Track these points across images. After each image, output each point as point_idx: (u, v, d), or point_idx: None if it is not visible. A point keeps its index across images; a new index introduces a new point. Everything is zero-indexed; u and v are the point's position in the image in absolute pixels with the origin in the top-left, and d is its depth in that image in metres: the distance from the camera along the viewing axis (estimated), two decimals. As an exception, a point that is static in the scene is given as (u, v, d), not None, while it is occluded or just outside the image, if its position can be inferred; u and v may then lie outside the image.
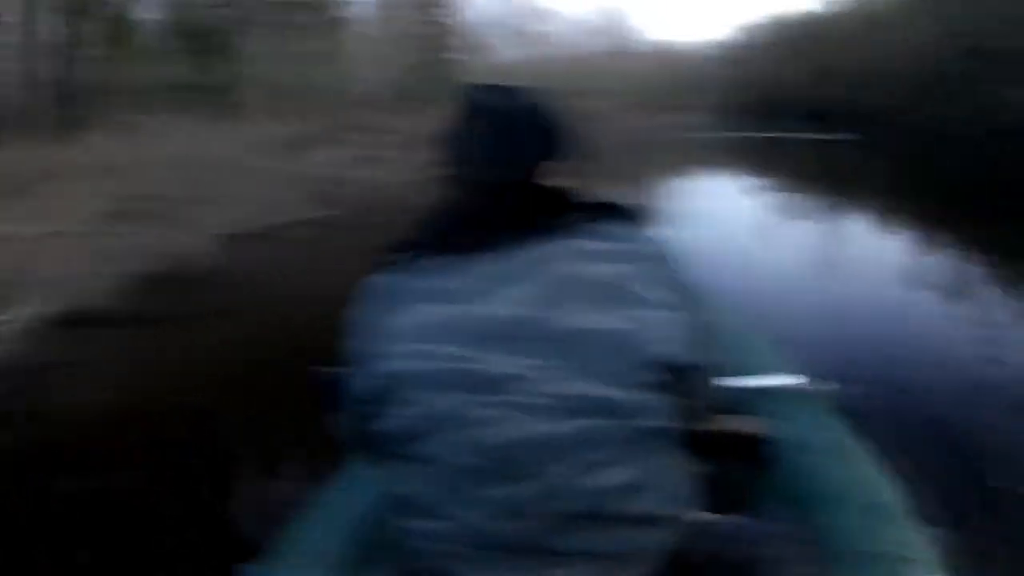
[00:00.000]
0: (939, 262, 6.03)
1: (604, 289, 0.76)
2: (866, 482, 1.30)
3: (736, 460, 1.36)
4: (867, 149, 16.42)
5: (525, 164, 0.83)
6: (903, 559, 1.11)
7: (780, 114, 24.03)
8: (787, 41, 27.96)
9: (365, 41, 20.91)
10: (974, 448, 2.63)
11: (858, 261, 6.10)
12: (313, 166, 10.09)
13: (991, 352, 3.67)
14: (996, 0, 15.25)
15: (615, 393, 0.73)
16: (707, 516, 1.06)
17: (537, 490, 0.73)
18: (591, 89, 24.29)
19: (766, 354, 1.83)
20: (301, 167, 9.71)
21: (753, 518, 1.14)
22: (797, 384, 1.59)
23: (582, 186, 0.86)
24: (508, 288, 0.75)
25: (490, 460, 0.73)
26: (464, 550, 0.75)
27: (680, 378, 0.79)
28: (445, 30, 23.49)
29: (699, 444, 1.00)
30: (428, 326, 0.75)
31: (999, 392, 3.15)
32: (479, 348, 0.73)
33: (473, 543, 0.75)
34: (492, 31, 29.54)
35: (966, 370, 3.44)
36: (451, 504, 0.75)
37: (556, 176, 0.85)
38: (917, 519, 1.23)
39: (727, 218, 8.70)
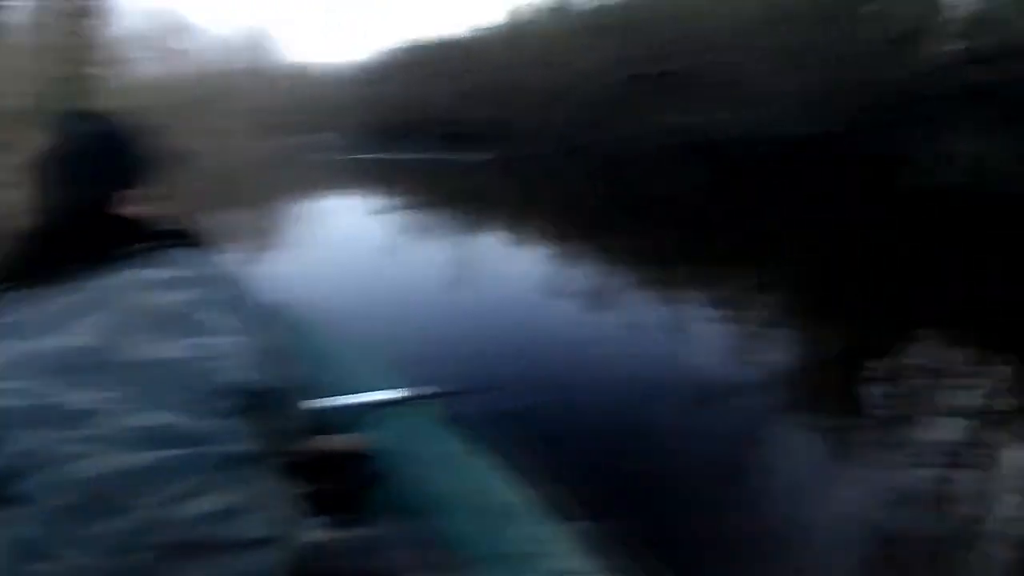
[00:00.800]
0: (569, 272, 6.26)
1: (172, 318, 0.76)
2: (483, 485, 1.33)
3: (345, 477, 1.38)
4: (507, 170, 15.94)
5: (100, 192, 0.82)
6: (526, 556, 1.13)
7: (421, 136, 23.10)
8: (429, 64, 26.66)
9: (15, 52, 20.32)
10: (615, 441, 2.78)
11: (490, 275, 6.12)
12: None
13: (614, 348, 3.96)
14: (646, 32, 15.31)
15: (190, 422, 0.74)
16: (323, 534, 1.08)
17: (135, 523, 0.72)
18: (224, 109, 24.37)
19: (369, 370, 1.82)
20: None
21: (370, 531, 1.13)
22: (400, 397, 1.59)
23: (169, 212, 0.86)
24: (79, 320, 0.74)
25: (85, 496, 0.72)
26: None
27: (262, 402, 0.80)
28: (89, 43, 22.52)
29: (302, 465, 1.03)
30: (9, 363, 0.74)
31: (639, 387, 3.37)
32: (57, 383, 0.73)
33: None
34: (135, 45, 28.24)
35: (597, 367, 3.66)
36: (58, 544, 0.73)
37: (138, 203, 0.85)
38: (549, 515, 1.26)
39: (356, 239, 8.46)
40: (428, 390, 1.63)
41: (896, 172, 9.32)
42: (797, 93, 11.34)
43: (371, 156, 21.20)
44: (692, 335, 4.25)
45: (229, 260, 0.86)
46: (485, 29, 26.08)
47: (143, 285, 0.77)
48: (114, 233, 0.80)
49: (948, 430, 2.85)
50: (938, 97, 9.57)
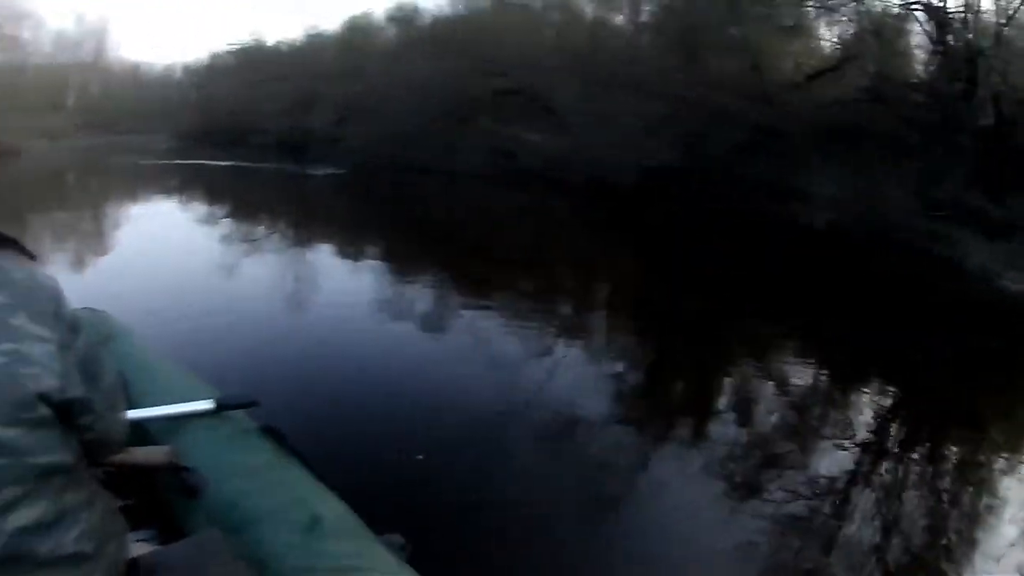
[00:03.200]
0: (398, 290, 6.37)
1: None
2: (295, 498, 1.32)
3: (159, 489, 1.41)
4: (346, 184, 15.51)
5: None
6: (347, 569, 1.15)
7: (255, 143, 21.84)
8: (263, 68, 25.04)
9: None
10: (429, 457, 2.84)
11: (314, 290, 6.24)
12: None
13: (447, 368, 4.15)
14: (484, 49, 15.23)
15: (2, 431, 0.71)
16: (139, 547, 1.07)
17: None
18: (51, 103, 23.23)
19: (182, 381, 1.79)
20: None
21: (192, 546, 1.12)
22: (213, 408, 1.58)
23: None
24: None
25: None
26: None
27: (76, 412, 0.80)
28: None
29: (117, 477, 1.07)
30: None
31: (450, 404, 3.50)
32: None
33: None
34: None
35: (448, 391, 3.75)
36: None
37: None
38: (360, 529, 1.29)
39: (177, 247, 8.25)
40: (241, 401, 1.63)
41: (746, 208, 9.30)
42: (649, 124, 11.18)
43: (199, 162, 19.92)
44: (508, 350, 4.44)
45: (42, 265, 0.88)
46: (321, 35, 25.16)
47: None
48: None
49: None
50: (797, 134, 9.66)
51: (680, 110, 11.00)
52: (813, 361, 4.61)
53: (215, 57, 31.22)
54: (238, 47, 28.43)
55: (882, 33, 9.97)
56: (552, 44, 15.59)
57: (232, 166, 18.90)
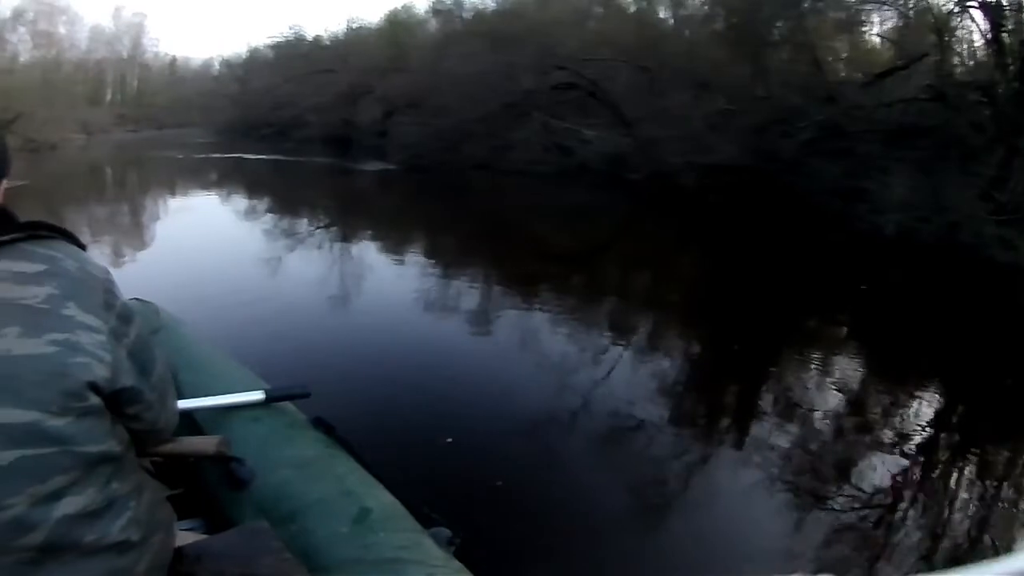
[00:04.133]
0: (457, 288, 6.22)
1: (34, 313, 0.73)
2: (349, 490, 1.31)
3: (206, 480, 1.41)
4: (398, 180, 15.49)
5: None
6: (395, 561, 1.13)
7: (294, 137, 21.97)
8: (303, 62, 25.19)
9: None
10: (478, 452, 2.93)
11: (366, 286, 6.18)
12: None
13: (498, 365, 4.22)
14: (538, 42, 15.09)
15: (52, 420, 0.71)
16: (187, 537, 1.09)
17: (2, 524, 0.69)
18: (93, 97, 25.37)
19: (232, 372, 1.79)
20: None
21: (239, 536, 1.12)
22: (263, 399, 1.57)
23: (21, 202, 0.94)
24: None
25: None
26: None
27: (123, 402, 0.80)
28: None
29: (163, 466, 1.02)
30: None
31: (507, 401, 3.55)
32: None
33: None
34: (10, 27, 28.04)
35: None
36: None
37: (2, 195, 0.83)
38: (408, 521, 1.28)
39: (225, 240, 8.33)
40: (292, 392, 1.61)
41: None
42: (710, 121, 11.03)
43: (240, 155, 19.96)
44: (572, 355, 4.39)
45: (94, 256, 0.84)
46: (362, 28, 25.36)
47: (7, 278, 0.73)
48: None
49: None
50: (863, 134, 9.41)
51: (743, 106, 10.97)
52: (883, 371, 4.50)
53: (254, 51, 31.72)
54: (277, 40, 28.74)
55: (943, 31, 9.90)
56: (600, 37, 15.55)
57: (274, 160, 18.93)
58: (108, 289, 0.81)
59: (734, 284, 6.73)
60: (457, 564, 1.18)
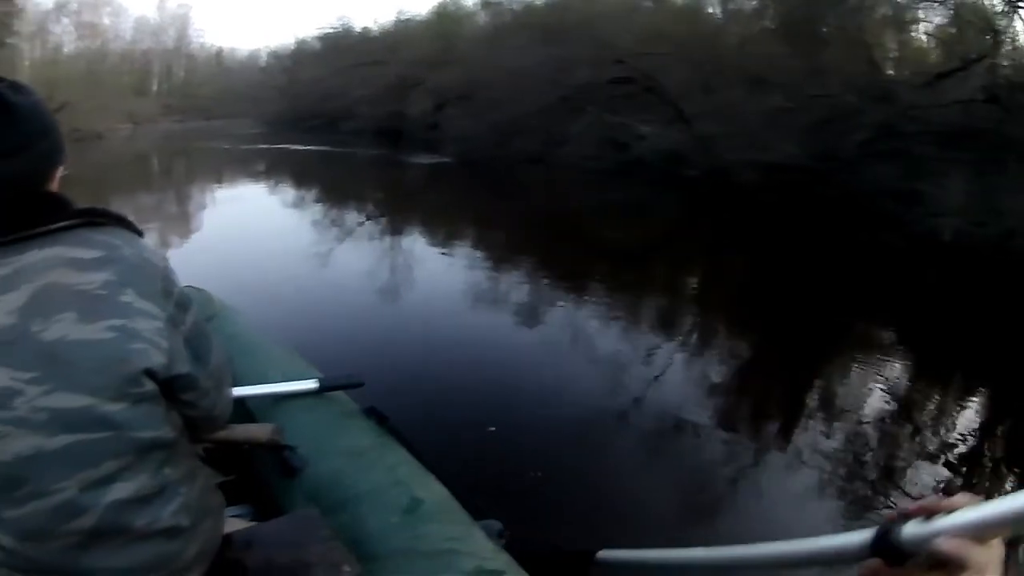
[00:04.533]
0: (510, 283, 6.26)
1: (92, 299, 0.74)
2: (395, 480, 1.31)
3: (258, 467, 1.43)
4: (452, 172, 15.59)
5: (32, 167, 0.79)
6: (445, 552, 1.12)
7: (342, 129, 22.10)
8: (351, 53, 25.51)
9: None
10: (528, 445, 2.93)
11: (419, 277, 6.23)
12: None
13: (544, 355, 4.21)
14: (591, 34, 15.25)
15: (107, 405, 0.72)
16: (241, 524, 1.12)
17: (52, 508, 0.71)
18: (140, 88, 25.17)
19: (284, 360, 1.82)
20: None
21: (289, 523, 1.13)
22: (316, 388, 1.59)
23: (66, 191, 0.85)
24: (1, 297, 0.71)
25: (2, 480, 0.70)
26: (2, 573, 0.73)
27: (178, 388, 0.81)
28: (10, 14, 21.43)
29: (216, 453, 1.06)
30: None
31: (556, 395, 3.54)
32: None
33: (7, 566, 0.73)
34: (52, 17, 28.35)
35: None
36: None
37: (55, 181, 0.84)
38: (460, 512, 1.27)
39: (277, 230, 8.34)
40: (345, 382, 1.63)
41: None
42: (768, 118, 10.96)
43: (288, 146, 20.20)
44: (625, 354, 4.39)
45: (150, 244, 0.86)
46: (410, 20, 25.55)
47: (66, 264, 0.74)
48: (41, 210, 0.76)
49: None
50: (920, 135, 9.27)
51: (800, 104, 10.95)
52: (935, 379, 4.48)
53: (301, 42, 31.95)
54: (325, 32, 28.94)
55: (998, 32, 9.87)
56: (652, 31, 15.47)
57: (323, 151, 19.00)
58: (166, 276, 0.81)
59: (786, 285, 6.66)
60: (507, 557, 1.16)
